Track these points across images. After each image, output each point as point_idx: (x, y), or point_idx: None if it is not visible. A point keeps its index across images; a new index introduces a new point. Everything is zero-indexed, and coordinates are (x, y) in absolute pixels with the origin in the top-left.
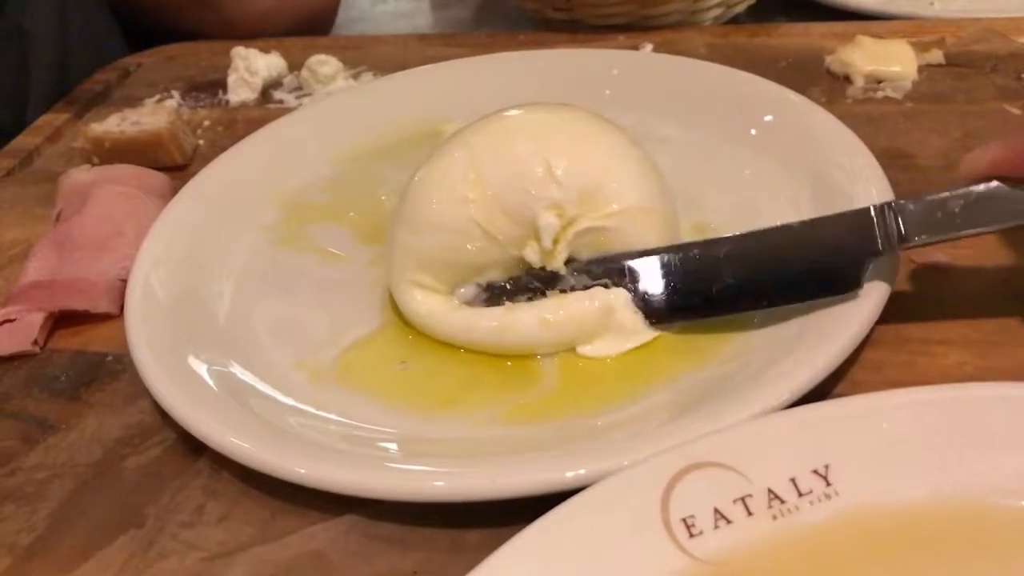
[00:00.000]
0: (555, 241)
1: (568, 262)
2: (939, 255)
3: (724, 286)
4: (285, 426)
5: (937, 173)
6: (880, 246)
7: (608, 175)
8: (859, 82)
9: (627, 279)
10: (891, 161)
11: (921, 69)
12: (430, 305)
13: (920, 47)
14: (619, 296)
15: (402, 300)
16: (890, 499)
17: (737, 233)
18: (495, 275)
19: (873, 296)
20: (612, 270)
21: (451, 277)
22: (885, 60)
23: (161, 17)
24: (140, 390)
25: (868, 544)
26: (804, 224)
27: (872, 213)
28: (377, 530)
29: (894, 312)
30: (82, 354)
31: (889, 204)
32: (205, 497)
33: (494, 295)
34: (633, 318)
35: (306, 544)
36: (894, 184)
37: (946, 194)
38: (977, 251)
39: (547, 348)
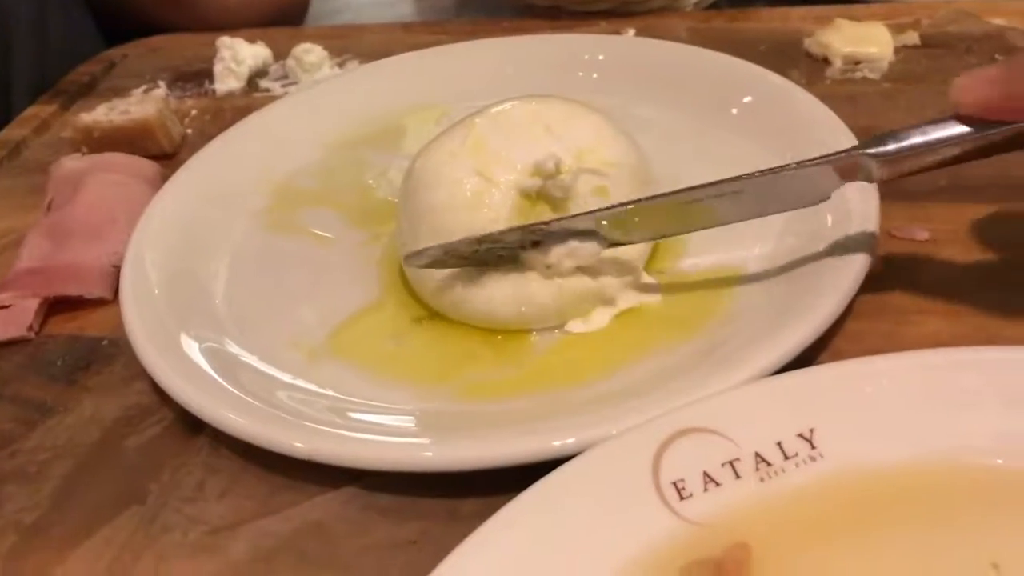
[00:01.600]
0: (557, 169)
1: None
2: (918, 229)
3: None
4: (282, 402)
5: None
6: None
7: (600, 139)
8: (837, 63)
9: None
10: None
11: (897, 50)
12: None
13: (896, 29)
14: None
15: (413, 275)
16: (872, 460)
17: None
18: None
19: (854, 269)
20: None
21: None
22: (862, 42)
23: (136, 14)
24: (136, 372)
25: (852, 504)
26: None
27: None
28: (375, 501)
29: (874, 285)
30: (77, 339)
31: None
32: (205, 473)
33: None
34: (617, 281)
35: (306, 516)
36: None
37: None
38: (955, 225)
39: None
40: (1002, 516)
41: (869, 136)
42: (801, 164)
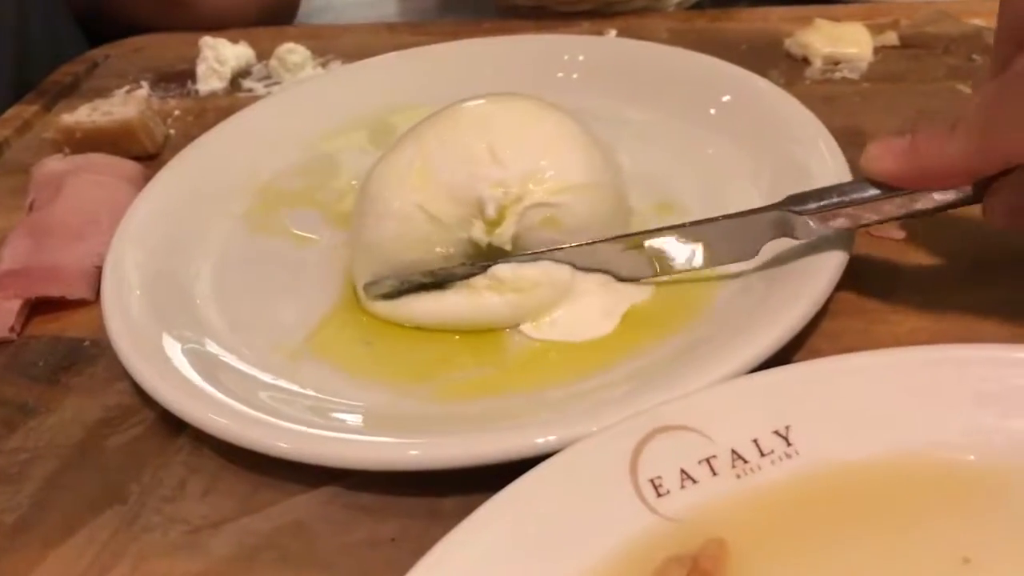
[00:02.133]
0: (501, 215)
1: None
2: (895, 229)
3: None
4: (263, 402)
5: None
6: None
7: (550, 155)
8: (817, 63)
9: None
10: (848, 139)
11: (876, 50)
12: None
13: (875, 29)
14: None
15: (362, 295)
16: (847, 457)
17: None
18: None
19: (830, 268)
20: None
21: (402, 271)
22: (842, 42)
23: (126, 15)
24: (118, 373)
25: (827, 500)
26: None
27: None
28: (356, 500)
29: (851, 284)
30: (59, 340)
31: (788, 207)
32: (187, 473)
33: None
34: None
35: (288, 515)
36: (850, 161)
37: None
38: (931, 224)
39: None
40: (973, 511)
41: (845, 136)
42: (727, 217)
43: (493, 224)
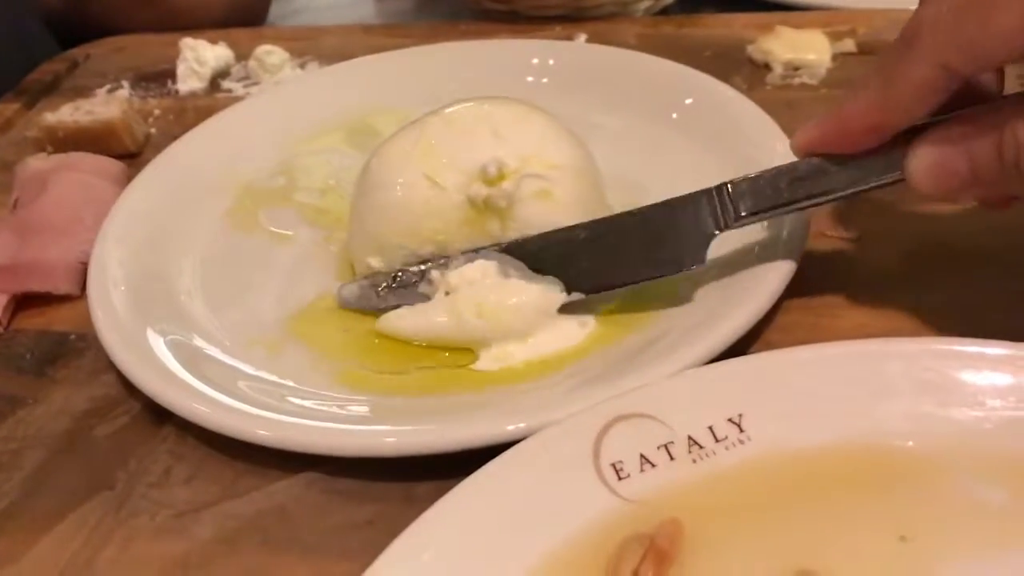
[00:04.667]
0: (500, 176)
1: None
2: (847, 229)
3: (581, 271)
4: (245, 392)
5: None
6: (716, 226)
7: (544, 141)
8: (778, 69)
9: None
10: None
11: (835, 57)
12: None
13: (834, 36)
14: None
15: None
16: (796, 443)
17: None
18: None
19: (784, 267)
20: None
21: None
22: (802, 49)
23: (98, 15)
24: (103, 366)
25: (776, 483)
26: (650, 208)
27: (705, 197)
28: (335, 485)
29: (804, 281)
30: (46, 333)
31: (722, 186)
32: (172, 460)
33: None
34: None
35: (269, 500)
36: None
37: (774, 170)
38: (884, 224)
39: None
40: (910, 493)
41: None
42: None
43: (492, 182)
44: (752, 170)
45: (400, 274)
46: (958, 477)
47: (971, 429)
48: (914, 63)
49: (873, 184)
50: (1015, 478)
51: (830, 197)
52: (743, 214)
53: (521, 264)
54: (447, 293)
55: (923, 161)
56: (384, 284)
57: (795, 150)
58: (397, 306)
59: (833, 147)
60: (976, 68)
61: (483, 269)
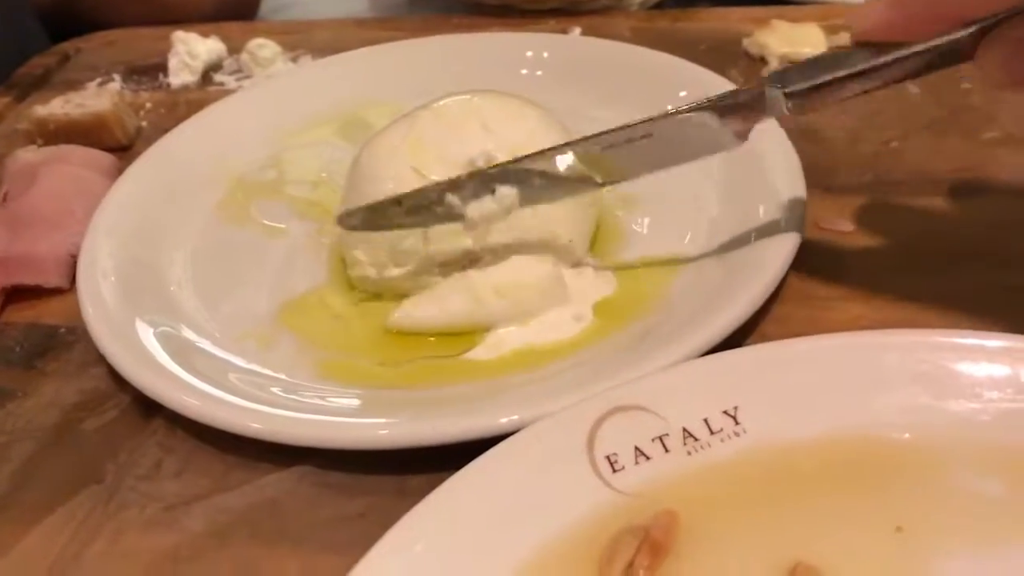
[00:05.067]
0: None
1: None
2: (843, 222)
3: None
4: (236, 385)
5: (842, 146)
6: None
7: (535, 135)
8: (773, 63)
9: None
10: (800, 135)
11: (830, 50)
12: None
13: (829, 30)
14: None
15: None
16: (792, 435)
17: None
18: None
19: (779, 258)
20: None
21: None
22: (797, 42)
23: (89, 9)
24: (93, 359)
25: (771, 475)
26: (684, 108)
27: (746, 91)
28: (326, 478)
29: (800, 273)
30: (35, 326)
31: (770, 77)
32: (162, 453)
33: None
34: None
35: (260, 493)
36: (803, 157)
37: (828, 56)
38: (876, 218)
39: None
40: (906, 485)
41: (798, 133)
42: (708, 101)
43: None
44: (747, 160)
45: (407, 197)
46: (954, 469)
47: (968, 421)
48: None
49: (933, 70)
50: (1012, 470)
51: (875, 84)
52: (794, 92)
53: (547, 175)
54: (468, 228)
55: (999, 54)
56: (395, 206)
57: (855, 31)
58: (410, 225)
59: (899, 36)
60: None
61: (504, 199)
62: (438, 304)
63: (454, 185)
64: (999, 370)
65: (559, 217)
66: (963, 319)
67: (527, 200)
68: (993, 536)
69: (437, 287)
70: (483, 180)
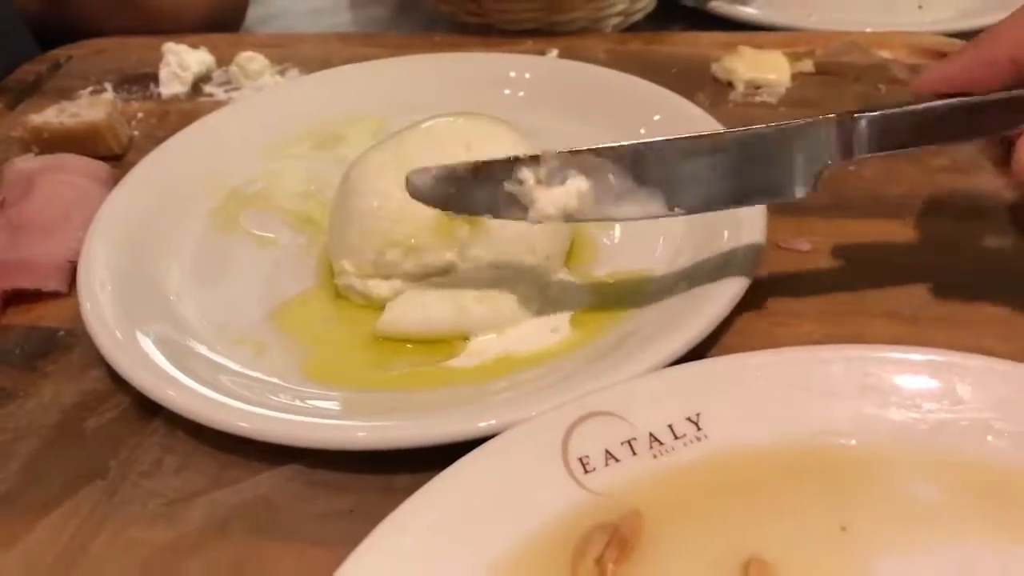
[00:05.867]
0: None
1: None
2: (801, 241)
3: (684, 186)
4: (229, 388)
5: None
6: (832, 156)
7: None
8: (740, 87)
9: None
10: None
11: (794, 77)
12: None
13: (793, 57)
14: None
15: (341, 282)
16: (749, 441)
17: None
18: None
19: (740, 276)
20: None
21: (378, 247)
22: (763, 68)
23: (77, 18)
24: (92, 361)
25: (731, 477)
26: (763, 129)
27: (826, 125)
28: (317, 477)
29: (759, 290)
30: (35, 329)
31: (846, 115)
32: (162, 452)
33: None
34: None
35: (254, 490)
36: None
37: (903, 107)
38: (833, 239)
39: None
40: (852, 487)
41: None
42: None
43: None
44: None
45: (483, 165)
46: (895, 474)
47: (908, 430)
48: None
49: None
50: (946, 477)
51: (955, 141)
52: (866, 149)
53: (623, 174)
54: (537, 214)
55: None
56: (465, 174)
57: (924, 87)
58: (472, 210)
59: (959, 85)
60: None
61: (578, 191)
62: (422, 312)
63: (532, 161)
64: (937, 383)
65: (537, 233)
66: (909, 335)
67: (596, 200)
68: (928, 537)
69: (422, 296)
70: (562, 163)
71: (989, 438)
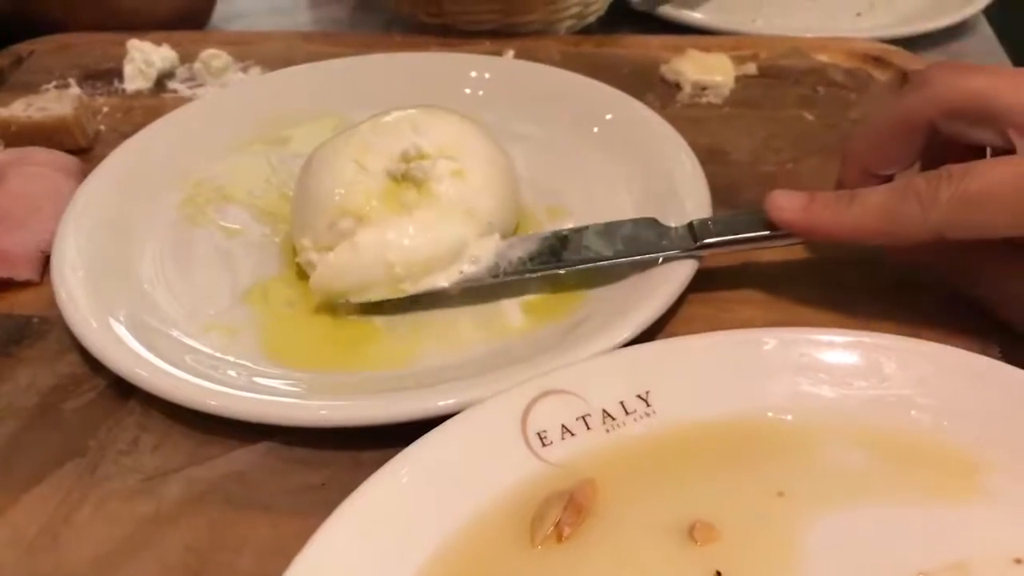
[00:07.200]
0: (419, 156)
1: None
2: None
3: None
4: (201, 369)
5: (746, 167)
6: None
7: (463, 136)
8: (687, 89)
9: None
10: (710, 156)
11: (738, 79)
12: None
13: (738, 60)
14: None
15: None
16: (694, 416)
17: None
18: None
19: (686, 267)
20: None
21: (331, 219)
22: (709, 70)
23: (39, 13)
24: (67, 346)
25: (677, 449)
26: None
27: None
28: (290, 453)
29: (705, 279)
30: (9, 317)
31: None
32: (139, 431)
33: None
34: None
35: (230, 466)
36: (710, 176)
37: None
38: None
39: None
40: (788, 457)
41: (707, 154)
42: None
43: (411, 160)
44: (662, 179)
45: None
46: (828, 445)
47: (839, 405)
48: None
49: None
50: (874, 446)
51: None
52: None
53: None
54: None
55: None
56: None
57: (772, 217)
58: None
59: (801, 236)
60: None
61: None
62: (352, 262)
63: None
64: (865, 362)
65: (479, 198)
66: (846, 319)
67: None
68: (857, 500)
69: (352, 251)
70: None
71: (912, 412)
